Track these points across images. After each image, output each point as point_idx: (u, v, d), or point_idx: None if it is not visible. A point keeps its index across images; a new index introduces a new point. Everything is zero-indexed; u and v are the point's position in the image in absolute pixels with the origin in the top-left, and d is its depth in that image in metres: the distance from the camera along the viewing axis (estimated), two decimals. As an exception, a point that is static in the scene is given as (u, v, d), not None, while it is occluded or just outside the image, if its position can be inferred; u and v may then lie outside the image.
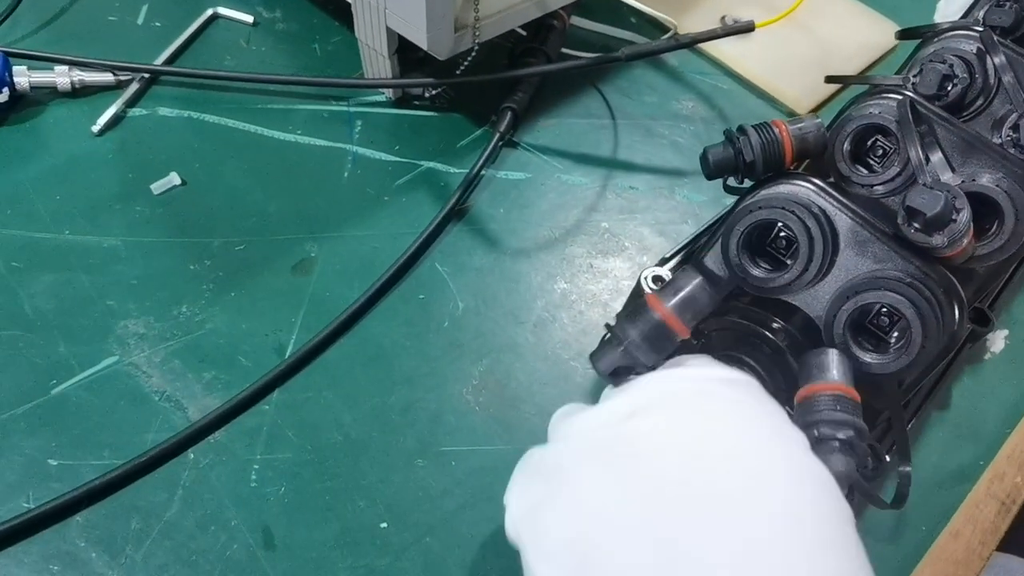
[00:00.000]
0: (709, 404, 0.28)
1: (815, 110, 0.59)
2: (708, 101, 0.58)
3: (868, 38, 0.64)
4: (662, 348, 0.32)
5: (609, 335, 0.32)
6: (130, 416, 0.39)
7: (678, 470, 0.26)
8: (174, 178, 0.44)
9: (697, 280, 0.33)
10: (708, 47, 0.61)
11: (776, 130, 0.36)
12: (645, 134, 0.56)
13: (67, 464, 0.37)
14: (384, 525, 0.37)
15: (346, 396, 0.40)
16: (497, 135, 0.51)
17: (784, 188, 0.36)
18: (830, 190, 0.35)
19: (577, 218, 0.50)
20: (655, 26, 0.63)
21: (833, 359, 0.32)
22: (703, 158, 0.37)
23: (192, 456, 0.38)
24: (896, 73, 0.51)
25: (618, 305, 0.45)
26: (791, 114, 0.59)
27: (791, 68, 0.60)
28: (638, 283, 0.40)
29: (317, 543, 0.36)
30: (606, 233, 0.50)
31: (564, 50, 0.57)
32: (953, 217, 0.32)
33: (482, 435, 0.40)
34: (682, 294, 0.33)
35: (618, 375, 0.32)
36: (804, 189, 0.35)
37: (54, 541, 0.35)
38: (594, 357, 0.32)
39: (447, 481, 0.38)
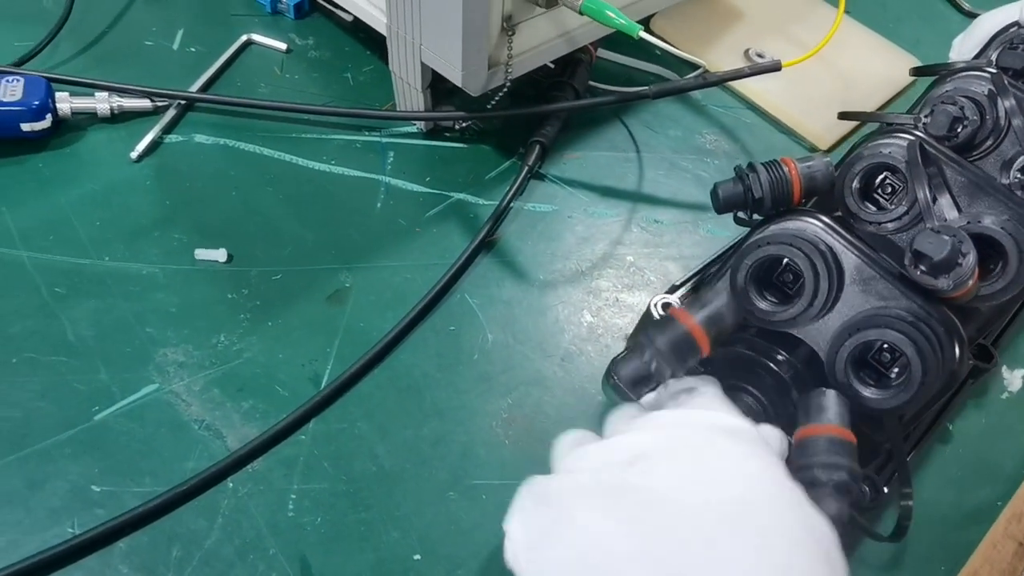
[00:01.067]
0: (712, 455, 0.29)
1: (836, 145, 0.60)
2: (731, 135, 0.59)
3: (889, 73, 0.65)
4: (685, 360, 0.33)
5: (631, 343, 0.33)
6: (170, 444, 0.40)
7: (679, 520, 0.27)
8: (221, 254, 0.45)
9: (724, 298, 0.34)
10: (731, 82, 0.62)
11: (785, 168, 0.37)
12: (669, 168, 0.57)
13: (109, 491, 0.38)
14: (417, 557, 0.38)
15: (379, 427, 0.41)
16: (526, 168, 0.52)
17: (792, 224, 0.37)
18: (837, 227, 0.36)
19: (603, 251, 0.51)
20: (680, 59, 0.64)
21: (830, 401, 0.33)
22: (713, 193, 0.38)
23: (231, 485, 0.39)
24: (909, 110, 0.52)
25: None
26: (813, 149, 0.60)
27: (813, 103, 0.61)
28: (648, 310, 0.41)
29: (353, 574, 0.37)
30: (632, 267, 0.51)
31: (591, 83, 0.59)
32: (959, 261, 0.33)
33: (512, 469, 0.41)
34: (708, 308, 0.34)
35: (638, 385, 0.32)
36: (812, 226, 0.36)
37: (97, 568, 0.36)
38: (618, 365, 0.33)
39: (478, 515, 0.39)
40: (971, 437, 0.46)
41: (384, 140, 0.54)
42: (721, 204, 0.38)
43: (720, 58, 0.63)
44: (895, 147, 0.39)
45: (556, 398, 0.44)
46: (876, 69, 0.65)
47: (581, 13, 0.46)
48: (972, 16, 0.76)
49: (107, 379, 0.42)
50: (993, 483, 0.44)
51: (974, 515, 0.43)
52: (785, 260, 0.36)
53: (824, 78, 0.63)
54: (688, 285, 0.42)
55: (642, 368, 0.32)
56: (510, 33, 0.48)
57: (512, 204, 0.51)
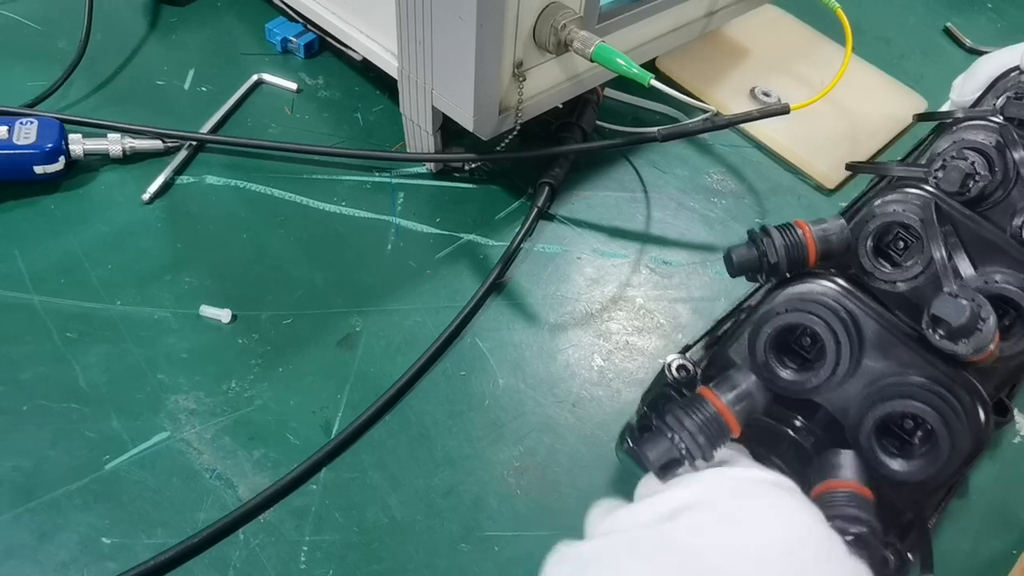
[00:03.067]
0: (751, 507, 0.29)
1: (843, 184, 0.60)
2: (738, 175, 0.60)
3: (894, 110, 0.66)
4: (716, 442, 0.32)
5: (657, 424, 0.32)
6: (182, 494, 0.39)
7: (728, 572, 0.27)
8: (225, 315, 0.45)
9: (753, 378, 0.33)
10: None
11: (800, 232, 0.37)
12: (677, 208, 0.57)
13: (120, 542, 0.38)
14: (430, 611, 0.37)
15: (391, 477, 0.41)
16: (535, 209, 0.53)
17: (809, 287, 0.36)
18: (855, 291, 0.36)
19: (612, 293, 0.51)
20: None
21: (848, 460, 0.33)
22: (727, 258, 0.37)
23: (242, 536, 0.38)
24: (911, 153, 0.52)
25: (654, 384, 0.46)
26: (819, 188, 0.60)
27: (819, 142, 0.62)
28: (662, 371, 0.40)
29: (364, 629, 0.37)
30: (641, 309, 0.51)
31: (599, 122, 0.59)
32: (979, 326, 0.32)
33: (524, 520, 0.40)
34: (738, 390, 0.33)
35: (667, 469, 0.31)
36: (830, 290, 0.35)
37: (108, 622, 0.36)
38: (645, 447, 0.32)
39: (490, 568, 0.39)
40: (984, 485, 0.45)
41: (394, 181, 0.55)
42: (735, 269, 0.37)
43: (726, 97, 0.64)
44: (909, 205, 0.39)
45: (568, 445, 0.44)
46: (881, 107, 0.66)
47: (592, 61, 0.46)
48: (974, 52, 0.77)
49: (118, 427, 0.41)
50: (1008, 532, 0.44)
51: (989, 565, 0.43)
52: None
53: (830, 117, 0.64)
54: (702, 343, 0.42)
55: (672, 451, 0.31)
56: (521, 79, 0.48)
57: (522, 245, 0.52)
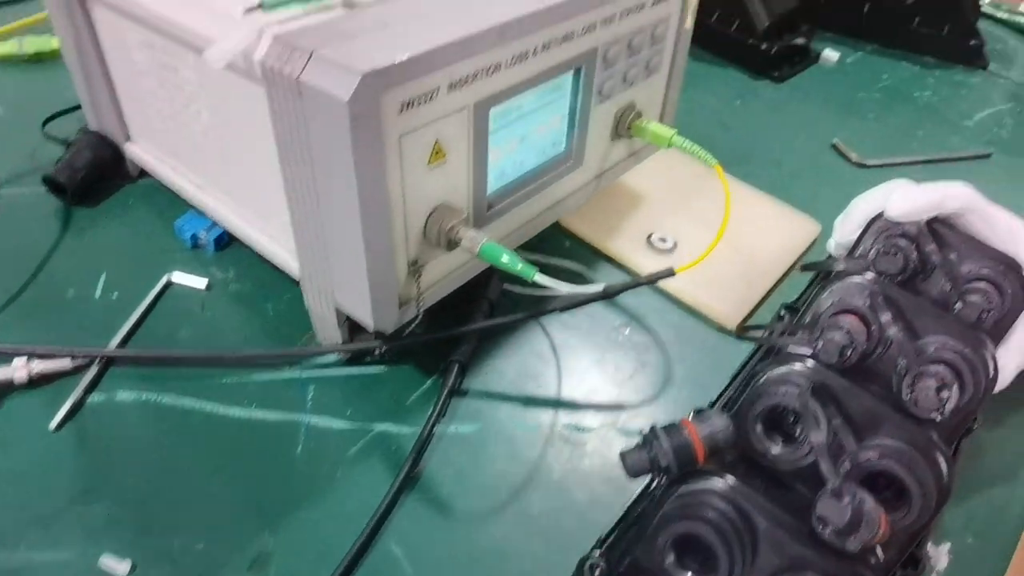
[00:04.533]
0: None
1: (744, 322, 0.63)
2: (642, 324, 0.62)
3: (789, 239, 0.70)
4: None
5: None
6: None
7: None
8: (123, 567, 0.44)
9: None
10: (635, 267, 0.66)
11: (686, 431, 0.39)
12: (588, 366, 0.58)
13: None
14: None
15: None
16: (445, 391, 0.54)
17: (699, 486, 0.38)
18: (743, 487, 0.37)
19: (527, 472, 0.52)
20: (588, 250, 0.67)
21: None
22: (622, 461, 0.40)
23: None
24: (798, 299, 0.55)
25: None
26: (720, 329, 0.63)
27: (717, 283, 0.64)
28: (579, 570, 0.41)
29: None
30: (558, 486, 0.51)
31: (506, 287, 0.61)
32: (863, 520, 0.34)
33: None
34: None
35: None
36: (719, 489, 0.37)
37: None
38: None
39: None
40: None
41: (304, 375, 0.55)
42: (630, 472, 0.39)
43: (624, 247, 0.67)
44: (790, 386, 0.41)
45: (487, 654, 0.43)
46: (776, 239, 0.69)
47: (479, 258, 0.49)
48: (860, 166, 0.83)
49: None
50: None
51: None
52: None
53: (726, 254, 0.67)
54: (612, 537, 0.42)
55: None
56: (417, 275, 0.50)
57: (435, 430, 0.52)
